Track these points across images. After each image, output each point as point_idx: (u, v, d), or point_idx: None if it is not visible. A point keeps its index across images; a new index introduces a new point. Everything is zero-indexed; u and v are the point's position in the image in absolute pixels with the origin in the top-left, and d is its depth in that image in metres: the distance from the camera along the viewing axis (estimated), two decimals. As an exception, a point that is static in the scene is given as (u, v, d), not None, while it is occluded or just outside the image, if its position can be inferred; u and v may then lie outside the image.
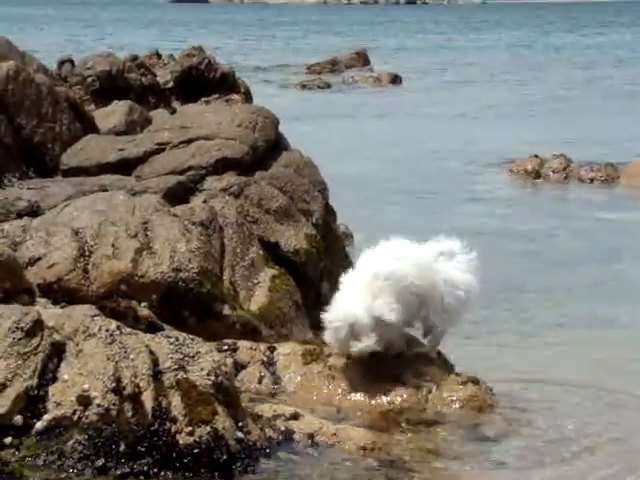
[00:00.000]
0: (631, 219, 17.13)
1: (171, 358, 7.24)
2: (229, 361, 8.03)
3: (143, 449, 6.73)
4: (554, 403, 9.35)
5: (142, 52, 24.02)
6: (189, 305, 9.28)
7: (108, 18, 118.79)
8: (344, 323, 8.47)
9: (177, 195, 10.57)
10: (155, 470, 6.77)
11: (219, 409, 7.02)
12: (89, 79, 19.27)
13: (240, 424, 7.21)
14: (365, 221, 13.65)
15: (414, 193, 18.12)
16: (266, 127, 11.82)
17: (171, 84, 22.46)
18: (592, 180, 20.14)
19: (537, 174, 20.68)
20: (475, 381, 8.89)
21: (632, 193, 19.13)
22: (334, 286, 11.35)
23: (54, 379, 6.96)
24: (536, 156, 21.15)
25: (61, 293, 8.93)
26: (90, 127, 12.98)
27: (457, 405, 8.76)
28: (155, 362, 7.10)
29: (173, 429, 6.81)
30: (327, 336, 8.71)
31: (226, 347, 8.66)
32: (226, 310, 9.44)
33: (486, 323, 9.23)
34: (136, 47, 25.95)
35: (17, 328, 7.07)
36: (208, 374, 7.15)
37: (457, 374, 9.16)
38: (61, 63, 19.65)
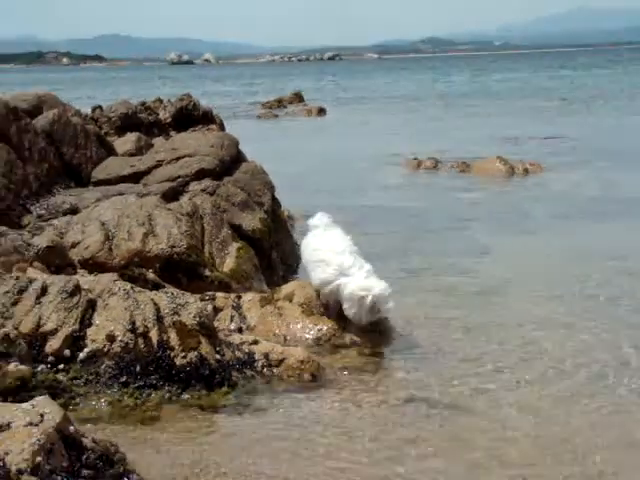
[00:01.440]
0: (476, 197, 17.27)
1: (168, 307, 7.60)
2: (209, 307, 8.24)
3: (152, 369, 7.12)
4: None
5: (149, 98, 23.86)
6: (181, 270, 9.58)
7: (125, 76, 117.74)
8: (371, 294, 8.18)
9: (170, 195, 10.83)
10: (160, 383, 7.06)
11: (203, 340, 7.39)
12: (113, 118, 19.22)
13: (217, 349, 7.49)
14: (301, 206, 13.66)
15: (332, 186, 18.12)
16: (230, 146, 12.02)
17: (169, 119, 22.42)
18: (451, 172, 20.33)
19: (417, 168, 20.85)
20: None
21: (477, 181, 19.30)
22: (281, 253, 11.44)
23: (89, 324, 7.35)
24: (415, 158, 21.25)
25: (93, 266, 9.10)
26: (111, 151, 13.13)
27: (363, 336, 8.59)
28: (158, 310, 7.53)
29: (172, 355, 7.18)
30: (347, 307, 8.41)
31: (207, 297, 8.94)
32: (207, 272, 9.72)
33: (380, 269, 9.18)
34: (144, 95, 25.78)
35: (63, 291, 7.26)
36: (194, 316, 7.54)
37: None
38: (94, 109, 19.67)
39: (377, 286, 8.26)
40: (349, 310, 8.39)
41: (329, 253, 8.68)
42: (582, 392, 7.19)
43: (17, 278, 7.69)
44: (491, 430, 6.47)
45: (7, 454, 5.06)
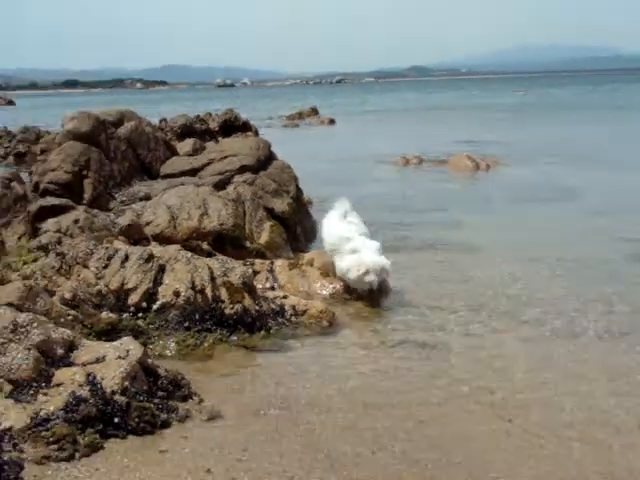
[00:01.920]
0: (450, 186, 17.18)
1: (219, 270, 7.67)
2: (250, 270, 8.13)
3: (207, 317, 7.17)
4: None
5: (202, 112, 23.70)
6: (228, 242, 9.48)
7: (183, 96, 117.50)
8: (377, 267, 8.17)
9: (220, 185, 10.76)
10: (214, 327, 7.07)
11: (245, 295, 7.50)
12: (175, 128, 19.13)
13: (256, 302, 7.53)
14: (317, 193, 13.59)
15: (340, 178, 17.99)
16: (264, 148, 11.88)
17: (217, 128, 22.26)
18: (432, 168, 20.19)
19: (405, 165, 20.66)
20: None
21: (451, 174, 19.20)
22: (303, 229, 11.32)
23: (160, 283, 7.38)
24: (404, 156, 21.07)
25: (162, 239, 9.10)
26: (174, 152, 13.04)
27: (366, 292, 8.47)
28: (211, 272, 7.60)
29: (222, 306, 7.31)
30: (349, 276, 8.32)
31: (248, 263, 8.85)
32: (247, 244, 9.73)
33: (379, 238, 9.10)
34: (198, 110, 25.65)
35: (141, 258, 7.30)
36: (239, 277, 7.64)
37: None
38: (161, 120, 19.58)
39: (383, 261, 8.24)
40: (352, 279, 8.28)
41: (349, 232, 8.64)
42: (544, 335, 7.23)
43: (107, 248, 7.72)
44: (461, 363, 6.52)
45: (103, 379, 5.11)
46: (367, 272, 8.15)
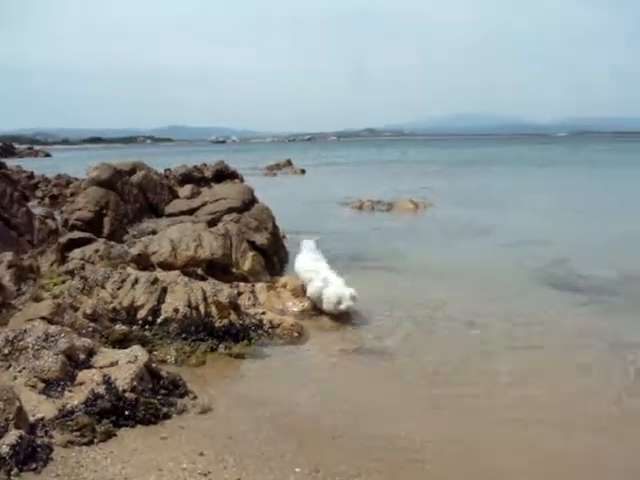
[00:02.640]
0: (396, 224, 17.27)
1: (211, 291, 7.66)
2: (235, 291, 8.15)
3: (200, 329, 7.12)
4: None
5: (198, 163, 23.65)
6: (219, 269, 9.40)
7: (184, 150, 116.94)
8: (341, 297, 8.09)
9: (212, 223, 10.69)
10: (206, 338, 6.97)
11: (231, 311, 7.50)
12: (177, 176, 19.06)
13: (240, 317, 7.47)
14: (289, 228, 13.56)
15: (309, 217, 18.02)
16: (248, 193, 11.92)
17: (210, 176, 22.19)
18: (382, 209, 20.26)
19: (360, 207, 20.72)
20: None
21: (397, 214, 19.30)
22: (279, 258, 11.25)
23: (163, 302, 7.38)
24: (360, 200, 21.16)
25: (165, 266, 9.03)
26: (176, 196, 12.98)
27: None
28: (204, 293, 7.53)
29: (213, 320, 7.30)
30: (326, 304, 8.20)
31: (234, 285, 8.75)
32: (234, 270, 9.64)
33: (339, 266, 9.08)
34: (195, 161, 25.61)
35: (148, 281, 7.30)
36: (226, 297, 7.63)
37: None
38: (165, 170, 19.53)
39: (347, 292, 8.11)
40: (328, 306, 8.14)
41: (314, 271, 8.59)
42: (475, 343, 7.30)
43: (120, 273, 7.64)
44: (404, 365, 6.54)
45: (116, 379, 5.04)
46: (341, 302, 8.05)
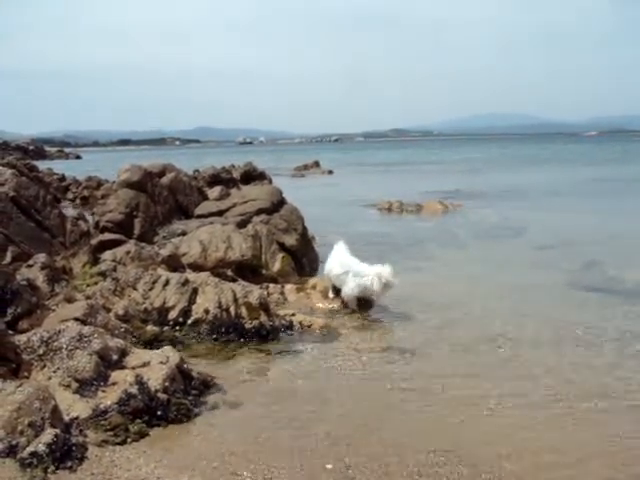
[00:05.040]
0: (426, 225, 17.18)
1: (241, 292, 7.75)
2: (265, 293, 8.18)
3: (231, 330, 7.28)
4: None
5: (227, 164, 23.79)
6: (248, 270, 9.52)
7: (212, 151, 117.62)
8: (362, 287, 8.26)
9: (241, 224, 10.71)
10: (236, 338, 7.11)
11: (261, 312, 7.52)
12: (205, 177, 19.18)
13: (270, 318, 7.53)
14: (319, 230, 13.56)
15: (337, 218, 18.03)
16: (277, 194, 11.89)
17: (239, 177, 22.26)
18: (410, 211, 20.15)
19: (389, 209, 20.64)
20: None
21: (426, 216, 19.19)
22: (308, 259, 11.26)
23: (194, 303, 7.50)
24: (388, 202, 21.09)
25: (195, 267, 9.15)
26: (205, 197, 13.06)
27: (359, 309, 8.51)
28: (234, 294, 7.61)
29: (243, 322, 7.40)
30: (346, 294, 8.41)
31: (264, 287, 8.79)
32: (263, 271, 9.76)
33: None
34: (224, 162, 25.75)
35: (178, 282, 7.43)
36: (256, 298, 7.72)
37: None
38: (194, 171, 19.69)
39: (385, 270, 8.18)
40: (374, 287, 8.14)
41: (345, 272, 8.51)
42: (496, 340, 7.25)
43: (151, 274, 7.75)
44: (432, 365, 6.48)
45: (148, 380, 5.11)
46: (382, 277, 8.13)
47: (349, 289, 8.37)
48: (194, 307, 7.28)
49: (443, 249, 13.42)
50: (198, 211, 12.15)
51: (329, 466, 4.44)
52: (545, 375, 6.20)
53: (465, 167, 46.81)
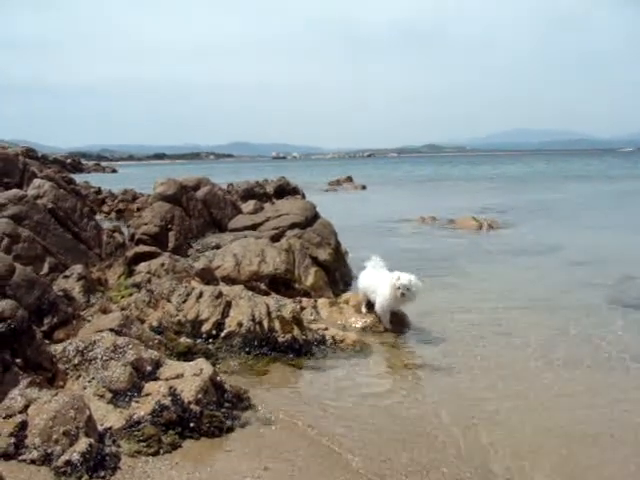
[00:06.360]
0: (459, 241, 17.02)
1: (274, 306, 7.72)
2: (298, 307, 8.13)
3: (264, 343, 7.22)
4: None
5: (260, 179, 23.98)
6: (281, 284, 9.51)
7: (246, 166, 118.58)
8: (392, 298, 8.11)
9: (275, 238, 10.74)
10: (269, 352, 7.08)
11: (294, 327, 7.46)
12: (239, 191, 19.35)
13: (303, 332, 7.47)
14: (352, 245, 13.51)
15: (370, 233, 18.00)
16: (310, 209, 11.92)
17: (272, 192, 22.43)
18: (444, 226, 20.01)
19: (422, 224, 20.53)
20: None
21: (459, 231, 19.02)
22: (341, 274, 11.21)
23: (227, 315, 7.46)
24: (421, 216, 20.98)
25: (229, 280, 9.14)
26: (239, 211, 13.09)
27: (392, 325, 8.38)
28: (268, 308, 7.58)
29: (276, 335, 7.32)
30: (379, 307, 8.29)
31: (297, 301, 8.78)
32: (296, 285, 9.68)
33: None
34: (257, 177, 25.96)
35: (212, 295, 7.38)
36: (290, 312, 7.66)
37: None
38: (228, 185, 19.89)
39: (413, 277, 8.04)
40: (406, 295, 7.99)
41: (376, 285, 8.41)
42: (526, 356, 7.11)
43: (185, 287, 7.78)
44: (460, 382, 6.42)
45: (182, 392, 5.11)
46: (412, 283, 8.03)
47: (382, 301, 8.27)
48: (227, 320, 7.26)
49: (477, 265, 13.25)
50: (232, 225, 12.22)
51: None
52: (584, 393, 6.12)
53: (500, 183, 46.46)
